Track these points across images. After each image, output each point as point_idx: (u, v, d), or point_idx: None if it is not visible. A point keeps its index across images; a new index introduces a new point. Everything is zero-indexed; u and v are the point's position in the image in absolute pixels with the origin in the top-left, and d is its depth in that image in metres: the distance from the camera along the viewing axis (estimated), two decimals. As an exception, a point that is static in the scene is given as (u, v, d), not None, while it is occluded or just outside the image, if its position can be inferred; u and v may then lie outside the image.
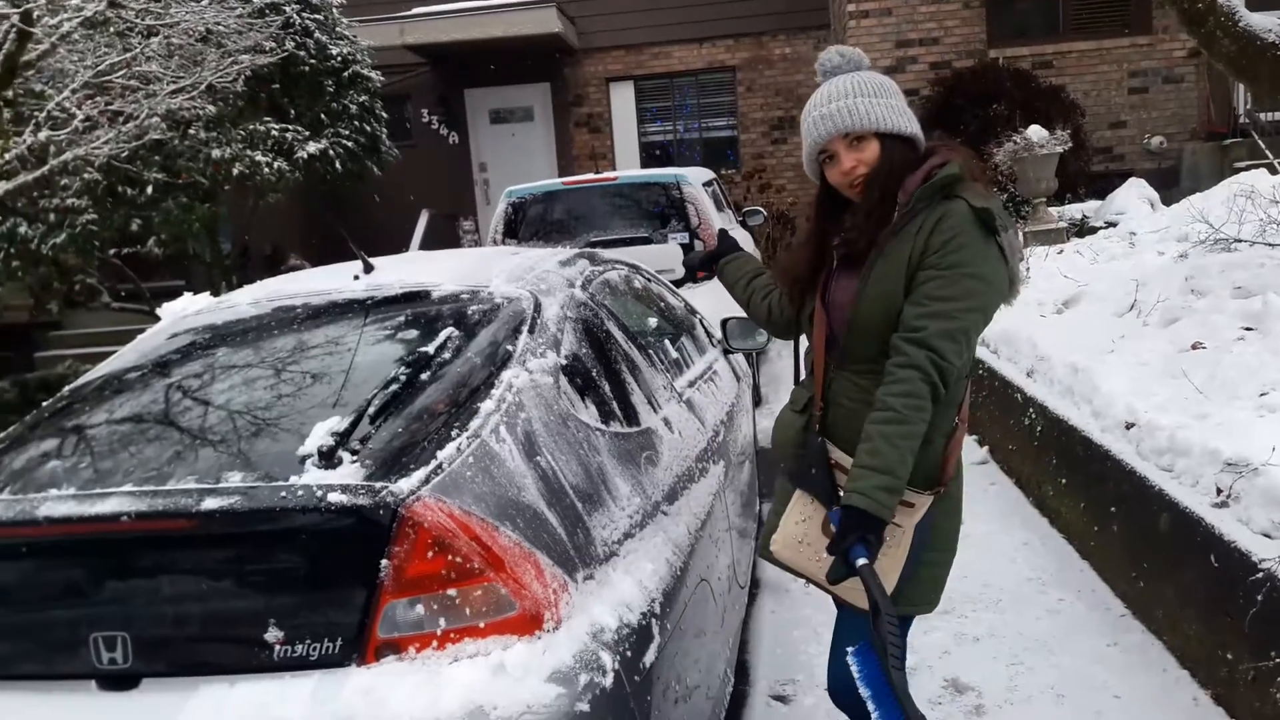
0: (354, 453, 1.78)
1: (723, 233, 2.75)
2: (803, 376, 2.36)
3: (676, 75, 13.11)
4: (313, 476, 1.71)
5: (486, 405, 2.01)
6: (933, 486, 2.08)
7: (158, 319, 9.59)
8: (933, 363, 1.91)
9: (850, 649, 2.07)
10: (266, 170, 8.74)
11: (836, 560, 1.92)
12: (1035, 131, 8.46)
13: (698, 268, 2.78)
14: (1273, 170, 6.91)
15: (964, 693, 3.17)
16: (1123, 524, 3.69)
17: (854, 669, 2.04)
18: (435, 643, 1.68)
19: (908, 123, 2.07)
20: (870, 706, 2.02)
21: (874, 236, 2.03)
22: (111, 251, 9.01)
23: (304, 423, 1.96)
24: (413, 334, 2.30)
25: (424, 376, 2.07)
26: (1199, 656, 3.12)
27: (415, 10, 12.15)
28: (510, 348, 2.26)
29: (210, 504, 1.66)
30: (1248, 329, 4.11)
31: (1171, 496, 3.23)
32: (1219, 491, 3.05)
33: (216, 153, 8.52)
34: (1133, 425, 3.73)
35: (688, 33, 12.80)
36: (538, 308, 2.48)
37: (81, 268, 9.25)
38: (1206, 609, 3.05)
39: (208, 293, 2.87)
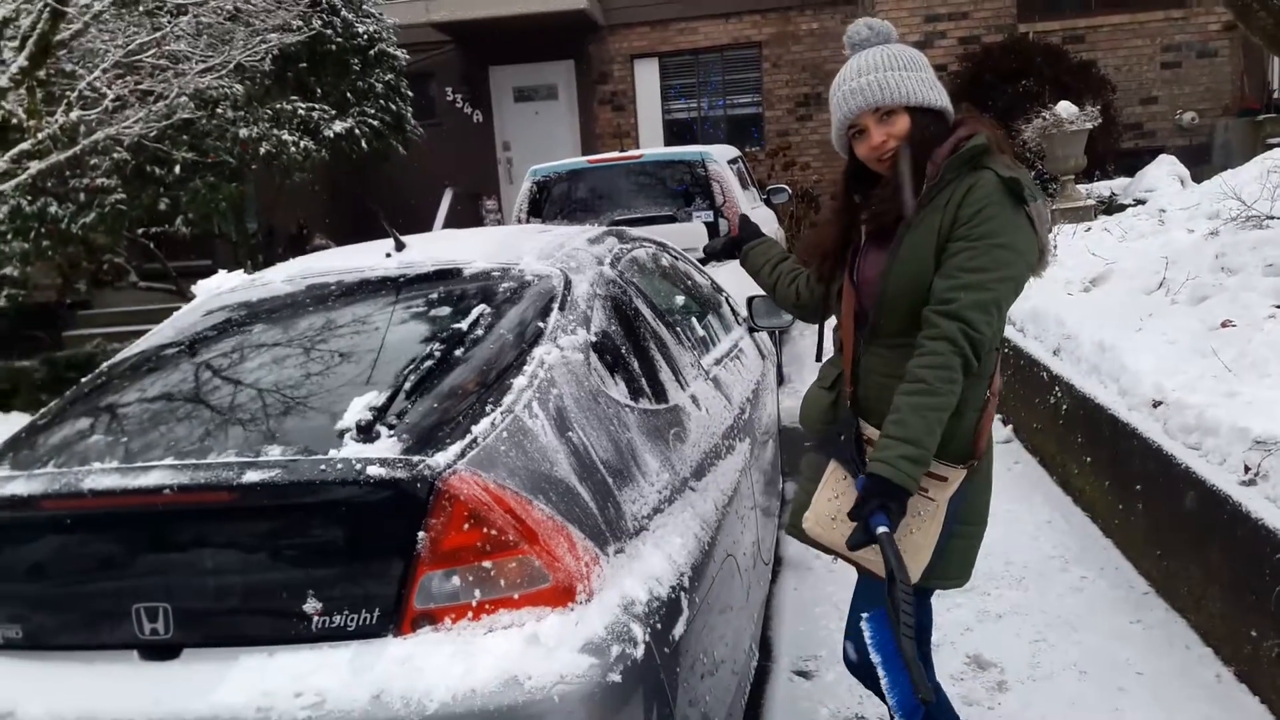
0: (391, 427, 1.81)
1: (744, 218, 2.75)
2: (829, 354, 2.37)
3: (702, 51, 13.04)
4: (351, 450, 1.75)
5: (519, 381, 2.04)
6: (966, 460, 2.09)
7: (185, 298, 9.71)
8: (964, 334, 1.92)
9: (865, 615, 2.10)
10: (293, 149, 8.79)
11: (857, 527, 1.95)
12: (1064, 108, 8.36)
13: (720, 256, 2.74)
14: (1306, 146, 6.82)
15: (986, 669, 3.19)
16: (1147, 502, 3.68)
17: (867, 635, 2.07)
18: (470, 614, 1.72)
19: (938, 96, 2.06)
20: (880, 673, 2.05)
21: (903, 209, 2.03)
22: (140, 231, 9.10)
23: (339, 398, 2.00)
24: (445, 311, 2.33)
25: (458, 353, 2.10)
26: (1222, 634, 3.13)
27: (440, -13, 12.13)
28: (541, 325, 2.28)
29: (251, 477, 1.70)
30: (1278, 307, 4.07)
31: (1198, 474, 3.22)
32: (1247, 469, 3.05)
33: (244, 132, 8.58)
34: (1160, 403, 3.71)
35: (714, 7, 12.72)
36: (568, 285, 2.50)
37: (110, 247, 9.36)
38: (1231, 587, 3.05)
39: (241, 271, 2.91)
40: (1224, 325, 4.10)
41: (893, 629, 1.90)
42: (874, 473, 1.93)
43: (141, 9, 7.14)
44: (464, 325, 2.19)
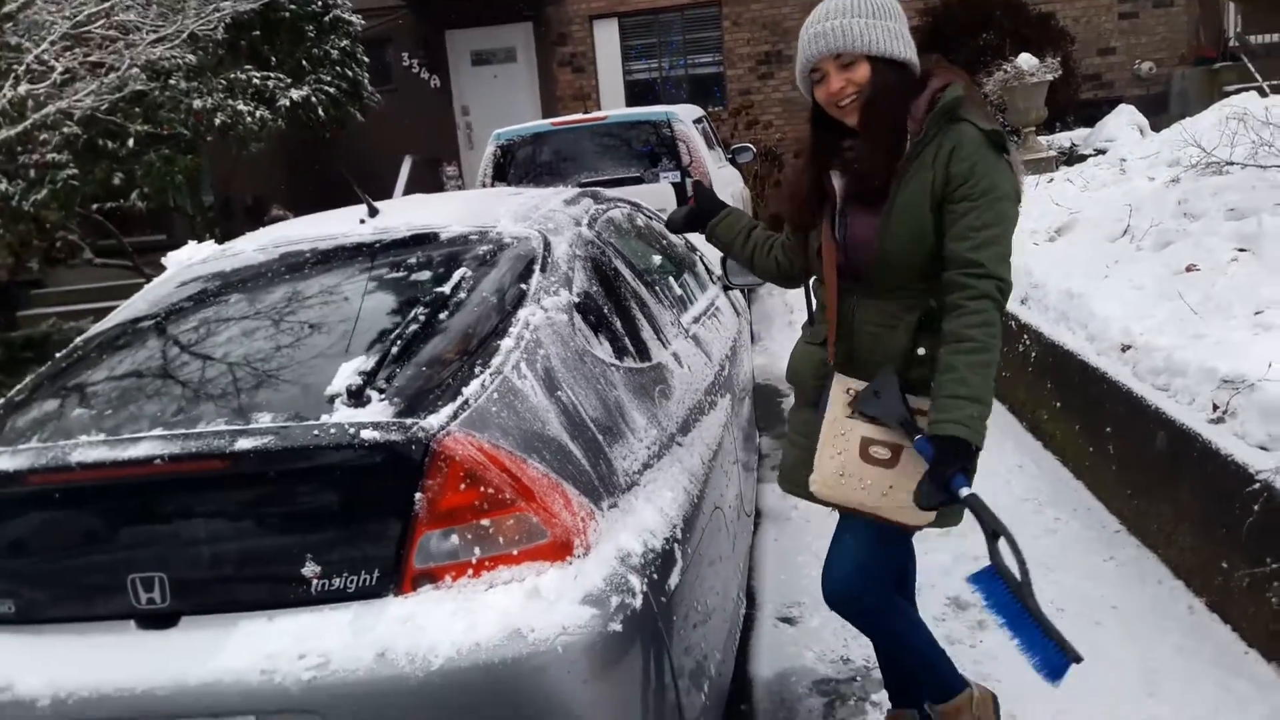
0: (381, 391, 1.81)
1: (698, 185, 2.66)
2: (815, 309, 2.38)
3: (661, 11, 12.92)
4: (343, 415, 1.75)
5: (506, 343, 2.04)
6: None
7: (142, 274, 9.50)
8: (999, 289, 1.97)
9: (971, 580, 2.02)
10: (249, 119, 8.63)
11: (929, 489, 1.95)
12: (1025, 60, 8.42)
13: (681, 229, 2.63)
14: (1262, 93, 6.91)
15: (965, 609, 3.26)
16: (1118, 444, 3.76)
17: (982, 598, 2.02)
18: (471, 571, 1.73)
19: (902, 47, 2.04)
20: (1009, 634, 2.00)
21: (889, 170, 2.02)
22: (95, 207, 8.91)
23: (325, 365, 1.99)
24: (426, 275, 2.32)
25: (442, 316, 2.10)
26: (1193, 567, 3.22)
27: (393, -50, 11.90)
28: (524, 286, 2.28)
29: (244, 444, 1.70)
30: (1241, 250, 4.15)
31: (1168, 415, 3.30)
32: (1215, 408, 3.12)
33: (198, 103, 8.40)
34: (1129, 347, 3.79)
35: (671, -33, 12.60)
36: (547, 246, 2.50)
37: (62, 224, 9.16)
38: (1202, 522, 3.14)
39: (211, 241, 2.87)
40: (1188, 270, 4.17)
41: (1011, 588, 1.92)
42: (951, 435, 1.93)
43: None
44: (447, 289, 2.19)
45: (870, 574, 2.26)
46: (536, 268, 2.38)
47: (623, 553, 1.88)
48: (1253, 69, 8.97)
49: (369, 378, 1.82)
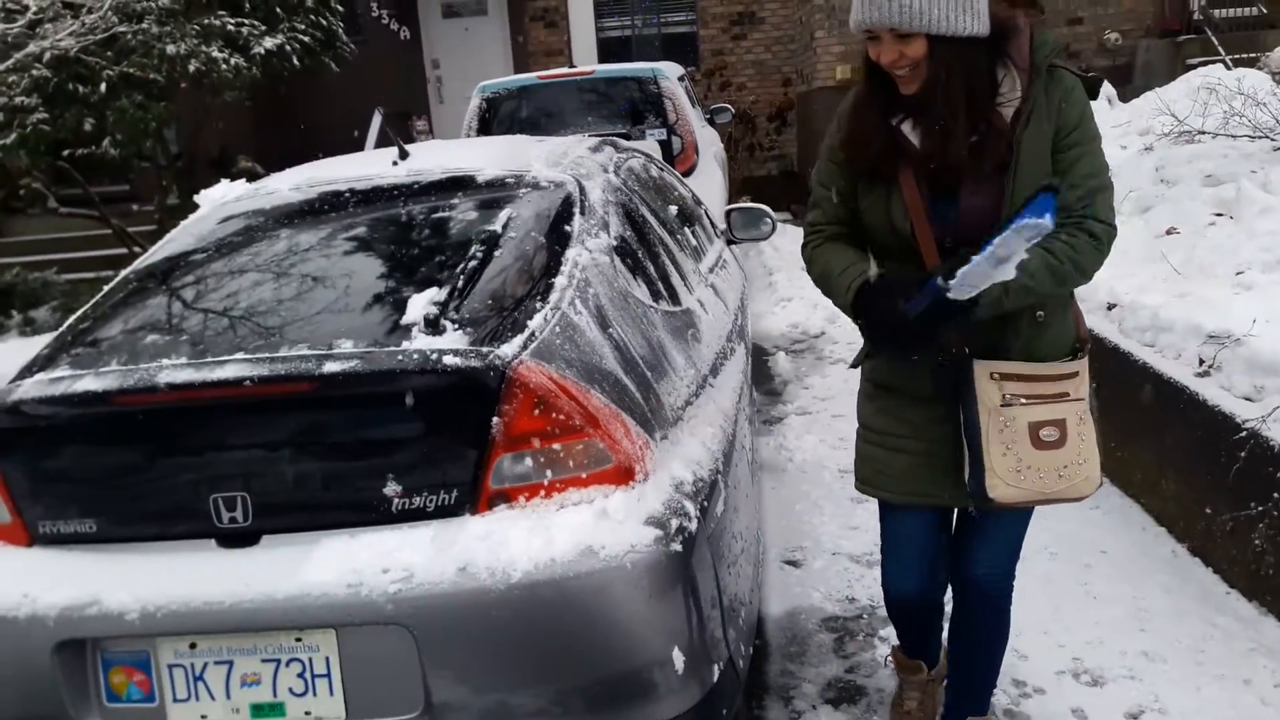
0: (454, 322, 1.88)
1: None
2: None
3: (635, -32, 12.86)
4: (422, 342, 1.82)
5: (560, 280, 2.12)
6: (1079, 349, 2.05)
7: (109, 224, 9.29)
8: (1105, 235, 1.90)
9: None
10: (224, 67, 8.48)
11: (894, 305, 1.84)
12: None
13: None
14: (1226, 66, 7.11)
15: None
16: (1104, 399, 3.92)
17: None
18: (543, 492, 1.82)
19: (970, 21, 1.80)
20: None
21: (1004, 152, 1.86)
22: (65, 154, 8.73)
23: (389, 297, 2.06)
24: (473, 215, 2.37)
25: (498, 254, 2.16)
26: (1176, 515, 3.41)
27: (365, -103, 11.68)
28: (568, 228, 2.35)
29: (331, 367, 1.76)
30: (1218, 215, 4.33)
31: (1155, 369, 3.46)
32: (1201, 362, 3.29)
33: (171, 48, 8.22)
34: (1115, 306, 3.95)
35: (646, -77, 12.52)
36: (583, 191, 2.56)
37: (29, 170, 8.96)
38: (1186, 470, 3.31)
39: (244, 180, 2.89)
40: (1168, 233, 4.35)
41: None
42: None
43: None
44: (497, 228, 2.25)
45: (1017, 554, 2.24)
46: (576, 211, 2.45)
47: (676, 480, 1.98)
48: (1216, 42, 9.21)
49: (442, 309, 1.88)
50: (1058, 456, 1.99)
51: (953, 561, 2.28)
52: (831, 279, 2.06)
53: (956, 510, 2.26)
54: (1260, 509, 2.85)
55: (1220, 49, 8.84)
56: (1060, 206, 1.80)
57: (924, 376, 2.04)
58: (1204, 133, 5.65)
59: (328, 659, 1.79)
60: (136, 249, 9.18)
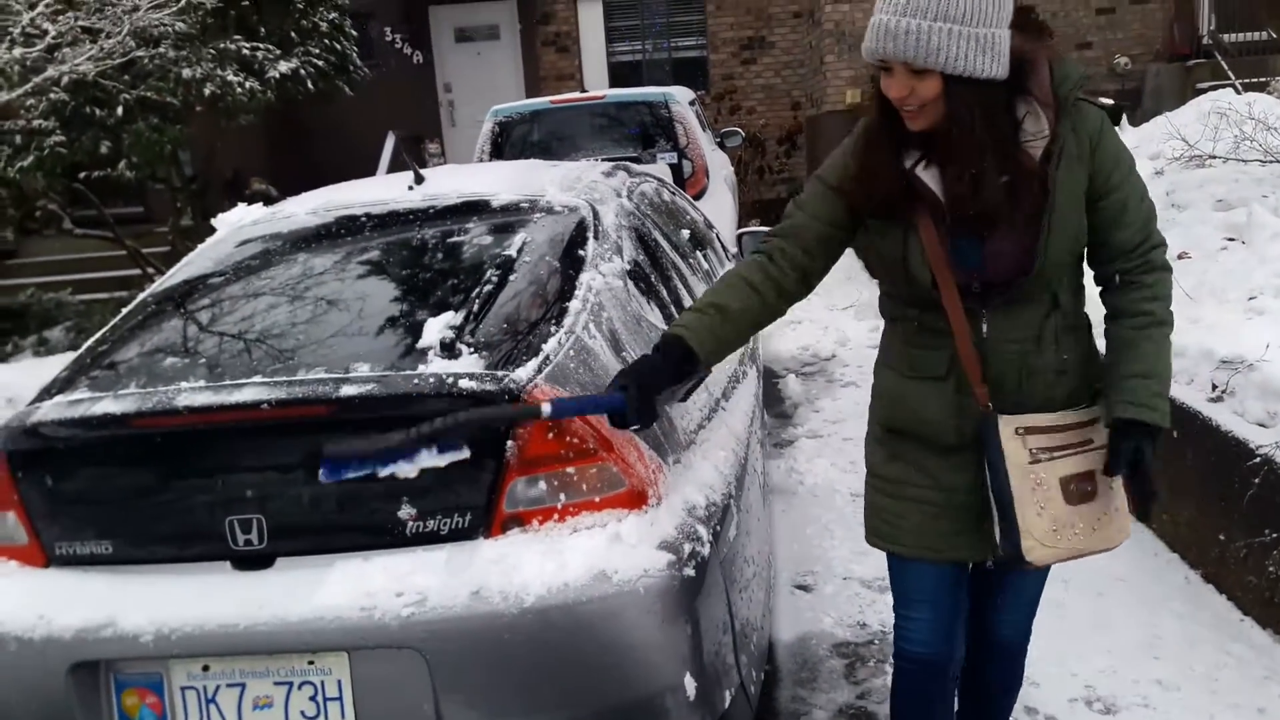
0: (470, 346, 1.90)
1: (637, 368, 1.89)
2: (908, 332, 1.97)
3: (646, -7, 12.97)
4: (438, 366, 1.83)
5: (574, 305, 2.13)
6: (1098, 394, 1.93)
7: (123, 245, 9.36)
8: (1165, 255, 1.85)
9: None
10: (239, 90, 8.57)
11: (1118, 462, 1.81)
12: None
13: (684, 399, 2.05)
14: (1236, 90, 7.13)
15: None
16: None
17: None
18: (556, 516, 1.83)
19: (989, 62, 1.67)
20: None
21: (1039, 195, 1.75)
22: (82, 176, 8.82)
23: (405, 321, 2.08)
24: (488, 239, 2.39)
25: (513, 278, 2.18)
26: (1189, 541, 3.39)
27: (380, -76, 11.83)
28: (582, 253, 2.37)
29: (349, 391, 1.77)
30: (1230, 239, 4.33)
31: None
32: (1214, 387, 3.29)
33: (187, 72, 8.32)
34: (1126, 330, 3.94)
35: (658, -51, 12.64)
36: (596, 215, 2.58)
37: (45, 192, 9.06)
38: (1199, 497, 3.30)
39: (260, 204, 2.92)
40: (1180, 257, 4.34)
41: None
42: (1132, 418, 1.77)
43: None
44: (512, 252, 2.27)
45: (1036, 609, 2.18)
46: (590, 235, 2.47)
47: (689, 504, 1.99)
48: (1226, 66, 9.22)
49: (458, 333, 1.90)
50: (1092, 510, 1.87)
51: (974, 620, 2.16)
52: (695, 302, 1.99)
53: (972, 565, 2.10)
54: (1275, 535, 2.83)
55: (1230, 73, 8.85)
56: (1120, 251, 1.81)
57: (948, 425, 1.90)
58: (1214, 157, 5.67)
59: (340, 682, 1.80)
60: (150, 270, 9.25)
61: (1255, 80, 7.89)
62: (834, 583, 3.48)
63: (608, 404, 1.78)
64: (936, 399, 1.90)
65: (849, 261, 9.23)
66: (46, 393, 2.05)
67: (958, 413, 1.89)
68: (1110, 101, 1.87)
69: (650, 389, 1.79)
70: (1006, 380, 1.85)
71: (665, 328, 2.43)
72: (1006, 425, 1.83)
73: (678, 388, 1.87)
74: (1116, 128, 1.82)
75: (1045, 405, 1.87)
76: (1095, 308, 1.95)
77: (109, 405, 1.85)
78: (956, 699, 2.26)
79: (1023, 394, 1.85)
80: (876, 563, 3.54)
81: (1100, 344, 1.95)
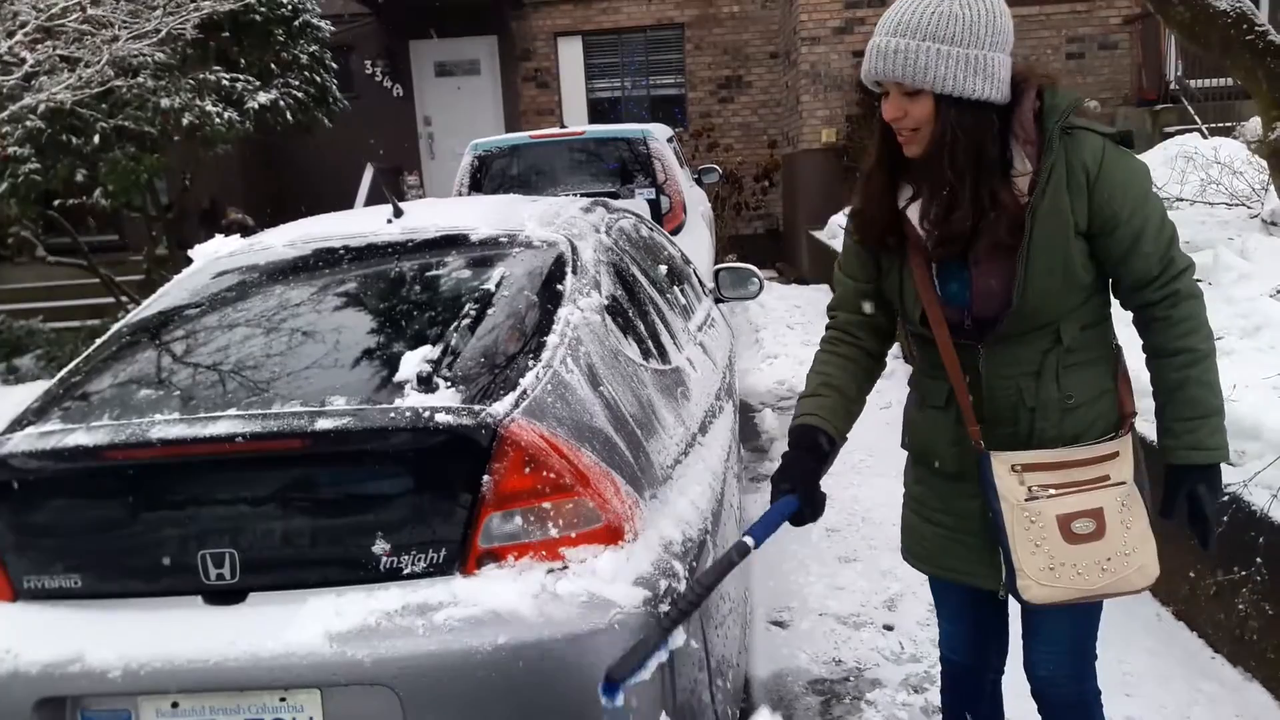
0: (446, 379, 1.90)
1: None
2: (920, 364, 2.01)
3: (625, 31, 13.11)
4: (415, 400, 1.83)
5: (552, 339, 2.14)
6: (1120, 425, 1.91)
7: (97, 274, 9.29)
8: (1193, 279, 1.80)
9: None
10: (217, 120, 8.57)
11: (1175, 507, 1.86)
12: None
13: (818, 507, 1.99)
14: (1203, 135, 7.28)
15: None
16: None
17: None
18: (532, 552, 1.83)
19: (982, 83, 1.67)
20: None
21: (1005, 231, 1.73)
22: (56, 203, 8.77)
23: (381, 354, 2.08)
24: (466, 273, 2.40)
25: (491, 311, 2.19)
26: (1159, 578, 3.40)
27: (362, -42, 11.93)
28: (560, 287, 2.38)
29: (324, 424, 1.76)
30: (1196, 280, 4.40)
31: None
32: (1184, 427, 3.32)
33: (165, 102, 8.32)
34: (1097, 369, 3.99)
35: (637, -12, 12.81)
36: (575, 250, 2.60)
37: (18, 219, 8.99)
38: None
39: (238, 235, 2.91)
40: (1149, 297, 4.41)
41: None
42: (1192, 463, 1.80)
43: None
44: (491, 286, 2.28)
45: (1084, 656, 2.04)
46: (568, 270, 2.48)
47: (665, 540, 1.99)
48: (1193, 111, 9.41)
49: (435, 366, 1.90)
50: (1097, 549, 1.81)
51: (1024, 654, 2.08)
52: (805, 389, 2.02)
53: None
54: (1244, 573, 2.86)
55: (1197, 118, 9.03)
56: (1141, 282, 1.77)
57: (950, 454, 1.92)
58: (1182, 200, 5.77)
59: (312, 719, 1.77)
60: (124, 298, 9.19)
61: (1221, 125, 8.05)
62: (810, 619, 3.48)
63: (785, 510, 1.89)
64: (940, 428, 1.94)
65: (824, 296, 9.34)
66: (18, 424, 2.03)
67: (957, 443, 1.90)
68: (1114, 130, 1.82)
69: (810, 480, 1.88)
70: (1003, 416, 1.84)
71: (643, 363, 2.46)
72: (1001, 462, 1.83)
73: (827, 468, 1.94)
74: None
75: (1055, 441, 1.83)
76: (1124, 325, 1.92)
77: (81, 437, 1.83)
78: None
79: (1023, 429, 1.83)
80: (851, 598, 3.56)
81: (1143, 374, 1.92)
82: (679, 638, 1.73)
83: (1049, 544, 1.80)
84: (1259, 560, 2.81)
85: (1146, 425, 1.98)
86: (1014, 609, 2.07)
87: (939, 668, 2.29)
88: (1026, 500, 1.81)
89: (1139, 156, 1.80)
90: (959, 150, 1.69)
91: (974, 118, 1.69)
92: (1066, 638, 2.00)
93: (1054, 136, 1.72)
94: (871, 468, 4.77)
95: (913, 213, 1.81)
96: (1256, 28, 4.87)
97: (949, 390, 1.89)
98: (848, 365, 1.98)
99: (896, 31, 1.69)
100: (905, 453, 2.11)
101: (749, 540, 1.83)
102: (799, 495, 1.87)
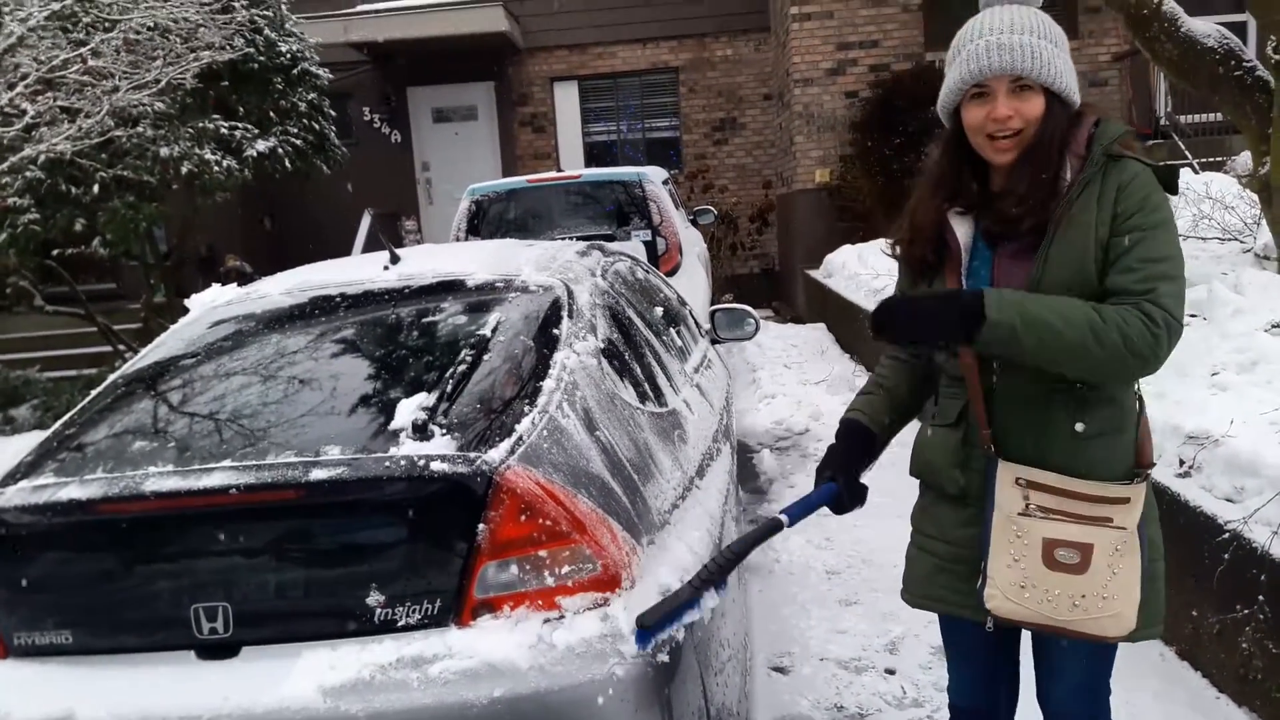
0: (442, 427, 1.89)
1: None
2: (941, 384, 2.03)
3: (620, 75, 13.27)
4: (410, 448, 1.82)
5: (548, 384, 2.14)
6: (1136, 475, 1.86)
7: (95, 323, 9.32)
8: (1166, 324, 1.69)
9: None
10: (216, 169, 8.64)
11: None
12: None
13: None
14: (1194, 170, 7.35)
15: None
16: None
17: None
18: (528, 601, 1.81)
19: (1076, 87, 1.81)
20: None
21: (1044, 213, 1.77)
22: (55, 252, 8.81)
23: (377, 402, 2.07)
24: (462, 319, 2.41)
25: (487, 357, 2.19)
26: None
27: (360, 7, 12.10)
28: (556, 332, 2.38)
29: (318, 474, 1.76)
30: (1192, 315, 4.42)
31: (1155, 485, 3.48)
32: (1182, 463, 3.32)
33: (165, 151, 8.39)
34: (1095, 406, 3.99)
35: (631, 33, 12.97)
36: (571, 295, 2.60)
37: (18, 269, 9.03)
38: (1171, 571, 3.29)
39: (236, 283, 2.92)
40: (1145, 333, 4.42)
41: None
42: (982, 296, 1.73)
43: (71, 26, 6.97)
44: (486, 332, 2.28)
45: (1096, 694, 2.02)
46: (564, 314, 2.48)
47: (663, 588, 1.97)
48: (1183, 147, 9.50)
49: (431, 413, 1.90)
50: (1074, 583, 1.79)
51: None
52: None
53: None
54: (1246, 611, 2.84)
55: (1187, 153, 9.11)
56: (1115, 290, 1.73)
57: (950, 473, 1.94)
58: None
59: (305, 775, 1.75)
60: (122, 347, 9.20)
61: (1211, 160, 8.13)
62: (811, 664, 3.44)
63: (825, 496, 1.98)
64: (943, 446, 1.96)
65: (820, 335, 9.35)
66: (11, 478, 2.02)
67: (959, 462, 1.92)
68: (1158, 164, 1.83)
69: (849, 469, 2.01)
70: (1012, 432, 1.85)
71: (640, 406, 2.46)
72: (1007, 471, 1.84)
73: (870, 461, 2.05)
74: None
75: (1064, 468, 1.81)
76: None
77: (74, 491, 1.82)
78: None
79: (1029, 448, 1.83)
80: (853, 642, 3.53)
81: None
82: (711, 600, 1.82)
83: (1027, 563, 1.81)
84: (1261, 598, 2.79)
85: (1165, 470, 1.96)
86: (1025, 649, 2.10)
87: (942, 712, 2.26)
88: (1019, 514, 1.82)
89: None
90: (1055, 144, 1.78)
91: (1068, 119, 1.80)
92: (1078, 674, 2.00)
93: (1097, 155, 1.78)
94: (886, 509, 4.73)
95: (958, 223, 1.88)
96: (1244, 63, 4.93)
97: (962, 406, 1.91)
98: (901, 367, 2.10)
99: (1013, 30, 1.76)
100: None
101: (783, 518, 1.91)
102: (840, 482, 1.98)
